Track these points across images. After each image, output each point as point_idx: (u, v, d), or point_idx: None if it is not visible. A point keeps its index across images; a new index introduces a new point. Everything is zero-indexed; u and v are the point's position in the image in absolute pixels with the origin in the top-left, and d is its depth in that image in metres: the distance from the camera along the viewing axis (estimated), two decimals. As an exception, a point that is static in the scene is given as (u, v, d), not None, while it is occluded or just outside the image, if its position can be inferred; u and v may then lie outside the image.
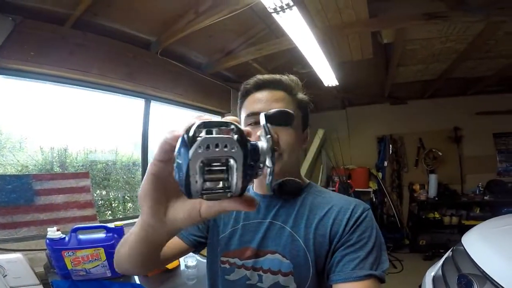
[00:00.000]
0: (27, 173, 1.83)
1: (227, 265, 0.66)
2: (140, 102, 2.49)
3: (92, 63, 1.98)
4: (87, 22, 1.89)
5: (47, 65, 1.77)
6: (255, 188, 0.73)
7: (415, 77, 3.39)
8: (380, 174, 4.28)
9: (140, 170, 2.55)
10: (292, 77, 0.67)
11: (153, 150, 2.56)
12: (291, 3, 1.55)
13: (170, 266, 1.43)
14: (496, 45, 2.49)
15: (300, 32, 1.89)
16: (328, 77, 2.87)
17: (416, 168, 4.21)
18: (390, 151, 4.24)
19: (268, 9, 1.61)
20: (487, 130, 3.82)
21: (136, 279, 1.34)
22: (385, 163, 4.24)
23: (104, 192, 2.41)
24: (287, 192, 0.65)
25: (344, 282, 0.54)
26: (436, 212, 3.66)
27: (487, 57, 2.74)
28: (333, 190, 0.62)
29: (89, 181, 1.97)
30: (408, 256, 3.56)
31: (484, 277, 1.21)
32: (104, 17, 1.92)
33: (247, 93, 0.67)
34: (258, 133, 0.59)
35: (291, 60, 3.02)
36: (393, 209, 4.14)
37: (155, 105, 2.58)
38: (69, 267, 1.24)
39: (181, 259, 1.50)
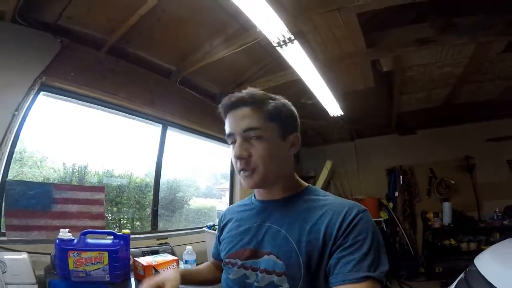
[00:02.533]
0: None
1: (229, 265, 0.69)
2: (156, 129, 2.55)
3: (120, 87, 2.06)
4: (120, 49, 2.02)
5: (84, 86, 1.85)
6: (256, 195, 0.74)
7: (419, 105, 3.32)
8: (391, 204, 3.97)
9: (152, 191, 2.51)
10: (256, 90, 0.66)
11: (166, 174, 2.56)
12: (292, 37, 1.61)
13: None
14: (491, 67, 2.43)
15: (303, 64, 1.94)
16: (333, 107, 2.85)
17: (429, 197, 3.90)
18: (401, 182, 4.00)
19: (273, 43, 1.68)
20: (500, 156, 3.54)
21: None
22: (396, 193, 3.97)
23: (115, 209, 2.37)
24: None
25: (341, 284, 0.52)
26: (452, 239, 3.40)
27: (486, 79, 2.67)
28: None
29: (104, 195, 1.95)
30: (425, 284, 3.28)
31: None
32: (134, 45, 2.05)
33: (225, 114, 0.68)
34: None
35: (298, 91, 3.06)
36: (406, 238, 3.77)
37: (170, 132, 2.62)
38: (71, 267, 1.16)
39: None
